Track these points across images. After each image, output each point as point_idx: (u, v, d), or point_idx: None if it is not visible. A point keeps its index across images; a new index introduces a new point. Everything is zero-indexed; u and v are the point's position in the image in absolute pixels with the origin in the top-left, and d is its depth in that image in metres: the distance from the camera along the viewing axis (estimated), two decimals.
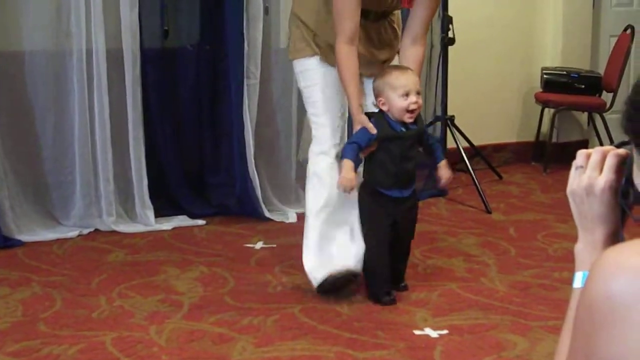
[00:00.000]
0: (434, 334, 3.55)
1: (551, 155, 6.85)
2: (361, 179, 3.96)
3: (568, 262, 4.36)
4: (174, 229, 5.07)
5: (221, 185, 5.42)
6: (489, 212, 5.54)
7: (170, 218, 5.19)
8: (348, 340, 3.49)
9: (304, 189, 5.55)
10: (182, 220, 5.18)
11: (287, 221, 5.26)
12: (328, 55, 3.96)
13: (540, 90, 6.95)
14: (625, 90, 7.23)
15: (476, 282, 4.17)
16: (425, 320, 3.66)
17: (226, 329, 3.59)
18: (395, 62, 4.09)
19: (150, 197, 5.13)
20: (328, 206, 3.98)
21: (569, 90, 6.83)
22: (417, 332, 3.57)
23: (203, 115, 5.46)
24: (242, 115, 5.25)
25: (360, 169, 3.95)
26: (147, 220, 5.08)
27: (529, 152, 7.14)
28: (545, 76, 6.90)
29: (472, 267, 4.41)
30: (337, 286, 3.91)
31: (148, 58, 5.11)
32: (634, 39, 6.91)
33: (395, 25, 4.11)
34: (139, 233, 4.97)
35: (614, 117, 7.14)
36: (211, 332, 3.55)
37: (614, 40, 7.17)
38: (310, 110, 4.08)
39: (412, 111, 3.77)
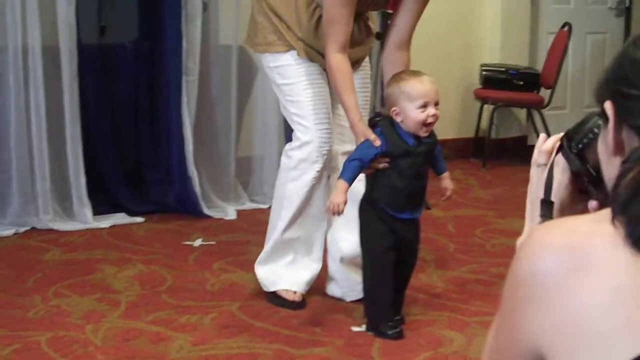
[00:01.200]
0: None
1: (490, 151, 6.91)
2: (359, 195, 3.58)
3: (506, 257, 4.39)
4: (112, 226, 5.02)
5: (160, 183, 5.38)
6: (428, 208, 5.53)
7: (109, 216, 5.14)
8: (286, 337, 3.48)
9: (243, 185, 5.59)
10: (120, 218, 5.14)
11: (226, 218, 5.23)
12: (306, 50, 3.71)
13: (480, 86, 7.00)
14: (562, 86, 7.33)
15: (415, 278, 4.15)
16: (363, 317, 3.66)
17: (163, 327, 3.57)
18: (365, 63, 3.94)
19: (88, 195, 5.07)
20: (298, 231, 3.80)
21: (508, 87, 6.89)
22: (355, 328, 3.58)
23: (141, 112, 5.42)
24: (181, 112, 5.23)
25: (357, 183, 3.51)
26: (84, 218, 5.02)
27: (469, 148, 7.19)
28: (484, 73, 6.96)
29: None
30: (281, 305, 3.81)
31: (85, 54, 5.05)
32: (571, 36, 7.00)
33: (370, 23, 3.90)
34: (76, 231, 4.91)
35: (552, 113, 7.22)
36: (148, 330, 3.53)
37: (551, 38, 7.25)
38: (292, 110, 3.75)
39: (429, 124, 3.41)
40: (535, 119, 7.19)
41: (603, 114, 1.25)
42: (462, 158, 7.09)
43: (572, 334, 1.12)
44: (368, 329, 3.55)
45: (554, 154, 1.46)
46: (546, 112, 7.09)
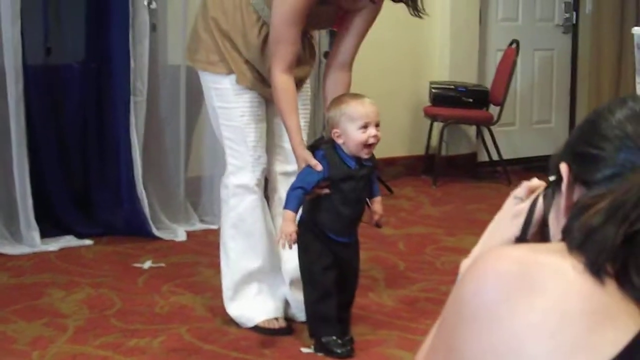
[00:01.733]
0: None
1: (440, 169, 6.94)
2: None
3: (455, 275, 4.39)
4: (60, 249, 4.96)
5: (109, 205, 5.34)
6: (378, 226, 5.55)
7: (57, 238, 5.08)
8: (234, 359, 3.46)
9: (193, 206, 5.56)
10: (69, 241, 5.08)
11: (176, 239, 5.19)
12: (248, 76, 3.68)
13: (429, 104, 7.04)
14: (511, 103, 7.39)
15: (364, 297, 4.18)
16: (311, 338, 3.64)
17: (111, 351, 3.53)
18: (307, 84, 3.92)
19: (37, 218, 5.01)
20: (253, 259, 3.75)
21: (457, 104, 6.93)
22: (304, 350, 3.56)
23: (89, 133, 5.37)
24: (129, 133, 5.19)
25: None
26: (32, 241, 4.96)
27: (420, 165, 7.22)
28: (433, 90, 6.99)
29: (360, 283, 4.37)
30: (270, 334, 3.74)
31: (31, 75, 5.00)
32: (519, 53, 7.06)
33: (313, 42, 3.90)
34: (24, 255, 4.84)
35: (501, 130, 7.29)
36: (95, 355, 3.49)
37: (500, 55, 7.32)
38: (227, 134, 3.73)
39: (370, 145, 3.44)
40: (485, 135, 7.23)
41: (557, 182, 1.31)
42: (413, 175, 7.12)
43: (514, 355, 1.12)
44: (317, 350, 3.53)
45: (536, 193, 1.47)
46: (496, 128, 7.14)
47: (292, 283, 3.83)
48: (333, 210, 3.45)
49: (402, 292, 4.29)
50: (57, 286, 4.35)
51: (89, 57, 5.38)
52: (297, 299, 3.83)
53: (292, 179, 3.58)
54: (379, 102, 7.09)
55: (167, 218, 5.39)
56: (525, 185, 1.50)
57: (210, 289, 4.24)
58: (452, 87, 7.00)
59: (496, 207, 1.51)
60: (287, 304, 3.87)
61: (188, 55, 3.91)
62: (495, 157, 7.14)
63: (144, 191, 5.22)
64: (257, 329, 3.74)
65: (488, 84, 7.27)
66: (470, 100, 6.97)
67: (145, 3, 5.12)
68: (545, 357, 1.10)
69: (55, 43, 5.34)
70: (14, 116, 4.89)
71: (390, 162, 7.08)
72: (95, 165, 5.40)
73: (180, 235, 5.25)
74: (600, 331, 1.12)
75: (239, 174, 3.71)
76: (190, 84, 5.40)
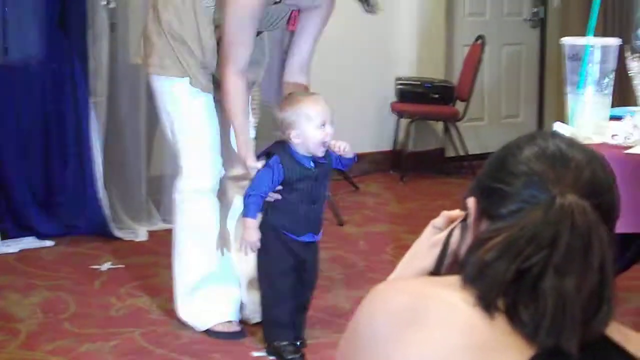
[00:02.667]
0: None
1: (408, 164, 6.94)
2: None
3: None
4: (20, 251, 4.94)
5: (70, 205, 5.31)
6: (341, 224, 5.57)
7: (18, 240, 5.06)
8: None
9: (156, 204, 5.54)
10: (29, 242, 5.05)
11: (136, 239, 5.17)
12: (201, 79, 3.66)
13: (395, 100, 7.03)
14: (479, 98, 7.39)
15: (320, 299, 4.16)
16: (263, 341, 3.64)
17: (62, 357, 3.52)
18: (258, 90, 3.90)
19: None
20: (206, 264, 3.73)
21: (423, 100, 6.92)
22: (255, 353, 3.57)
23: (50, 134, 5.34)
24: (89, 133, 5.17)
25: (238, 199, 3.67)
26: None
27: (388, 161, 7.21)
28: (399, 86, 6.99)
29: (319, 284, 4.37)
30: (223, 338, 3.73)
31: None
32: (487, 48, 7.06)
33: (266, 42, 3.89)
34: None
35: (467, 125, 7.28)
36: None
37: (467, 50, 7.31)
38: (180, 137, 3.69)
39: (325, 143, 3.43)
40: (452, 131, 7.23)
41: (466, 217, 1.34)
42: (381, 171, 7.11)
43: None
44: (269, 353, 3.53)
45: (454, 224, 1.46)
46: (464, 124, 7.14)
47: (248, 284, 3.82)
48: (292, 210, 3.45)
49: (359, 293, 4.26)
50: (14, 289, 4.32)
51: (48, 57, 5.34)
52: (252, 300, 3.82)
53: (241, 183, 3.58)
54: (344, 97, 7.14)
55: (129, 218, 5.37)
56: (444, 214, 1.51)
57: (168, 291, 4.20)
58: (418, 82, 6.99)
59: (461, 203, 1.49)
60: (241, 306, 3.86)
61: (142, 60, 3.86)
62: (462, 152, 7.14)
63: (105, 191, 5.20)
64: (210, 332, 3.73)
65: (455, 79, 7.26)
66: (437, 96, 6.96)
67: (104, 3, 5.09)
68: None
69: (13, 43, 5.30)
70: None
71: (357, 158, 7.06)
72: (56, 166, 5.36)
73: (141, 235, 5.23)
74: None
75: (194, 178, 3.68)
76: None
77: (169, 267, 4.51)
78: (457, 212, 1.50)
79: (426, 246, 1.46)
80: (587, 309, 1.15)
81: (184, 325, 3.81)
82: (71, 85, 5.22)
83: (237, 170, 3.73)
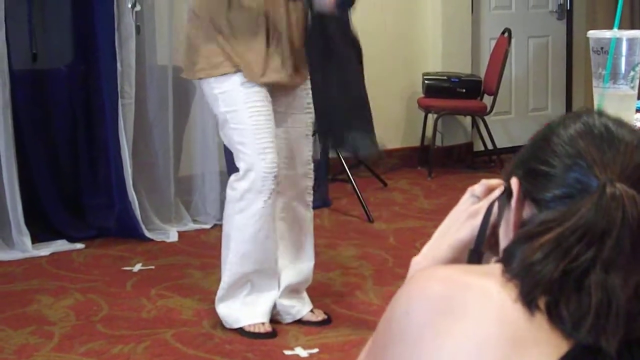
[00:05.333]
0: (304, 353, 3.56)
1: (436, 160, 6.92)
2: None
3: None
4: (51, 254, 4.96)
5: (100, 207, 5.34)
6: (371, 221, 5.57)
7: (49, 243, 5.09)
8: None
9: (185, 205, 5.56)
10: (60, 245, 5.08)
11: (167, 240, 5.18)
12: (253, 70, 3.59)
13: (423, 95, 7.01)
14: (507, 91, 7.37)
15: (351, 296, 4.18)
16: (296, 340, 3.66)
17: (95, 359, 3.54)
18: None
19: (29, 222, 5.02)
20: (250, 264, 3.71)
21: (451, 95, 6.90)
22: (287, 352, 3.57)
23: (78, 137, 5.39)
24: (118, 136, 5.19)
25: (304, 210, 3.84)
26: (23, 246, 4.97)
27: (415, 157, 7.20)
28: (426, 82, 6.96)
29: (348, 281, 4.43)
30: (254, 337, 3.74)
31: (17, 80, 5.00)
32: (513, 41, 7.04)
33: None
34: (15, 261, 4.85)
35: (497, 119, 7.27)
36: None
37: (494, 43, 7.28)
38: (236, 138, 3.62)
39: None
40: (480, 125, 7.21)
41: (508, 195, 1.29)
42: (409, 167, 7.09)
43: None
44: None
45: (493, 195, 1.42)
46: (492, 117, 7.12)
47: (285, 290, 3.84)
48: None
49: (389, 289, 4.27)
50: (46, 292, 4.35)
51: (76, 60, 5.38)
52: (284, 305, 3.84)
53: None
54: (372, 94, 7.10)
55: (159, 219, 5.39)
56: (483, 182, 1.46)
57: (199, 292, 4.26)
58: (445, 77, 6.97)
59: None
60: (274, 305, 3.88)
61: (186, 73, 3.82)
62: (490, 146, 7.12)
63: (134, 193, 5.22)
64: (242, 331, 3.75)
65: (482, 73, 7.23)
66: (464, 90, 6.94)
67: (129, 5, 5.11)
68: None
69: (42, 48, 5.34)
70: (1, 122, 4.89)
71: (385, 154, 7.05)
72: (86, 169, 5.41)
73: (172, 236, 5.25)
74: (520, 358, 1.12)
75: (249, 178, 3.61)
76: (178, 83, 5.40)
77: (199, 267, 4.57)
78: (496, 181, 1.46)
79: (464, 216, 1.41)
80: (631, 306, 1.11)
81: (215, 325, 3.83)
82: (99, 87, 5.24)
83: (293, 171, 3.77)
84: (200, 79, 3.71)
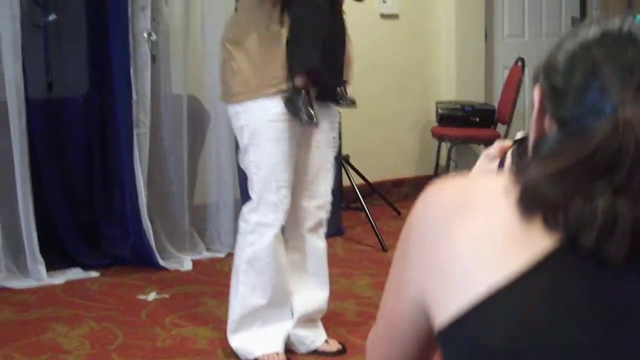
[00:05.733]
0: None
1: None
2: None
3: None
4: (66, 282, 4.98)
5: (115, 236, 5.35)
6: (385, 250, 5.57)
7: (64, 271, 5.10)
8: None
9: (199, 234, 5.57)
10: (75, 274, 5.10)
11: (182, 269, 5.20)
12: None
13: (436, 124, 7.02)
14: (518, 121, 7.36)
15: (365, 325, 4.17)
16: None
17: None
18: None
19: (43, 251, 5.04)
20: (262, 296, 3.72)
21: (464, 124, 6.90)
22: None
23: (94, 166, 5.41)
24: (133, 165, 5.21)
25: (317, 240, 3.88)
26: (38, 274, 4.98)
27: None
28: (440, 110, 6.97)
29: (362, 310, 4.42)
30: None
31: (34, 109, 5.03)
32: (527, 69, 7.05)
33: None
34: (30, 289, 4.86)
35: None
36: None
37: (507, 72, 7.30)
38: (254, 170, 3.65)
39: None
40: None
41: (518, 145, 1.37)
42: None
43: (447, 272, 1.16)
44: None
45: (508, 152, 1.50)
46: None
47: (300, 319, 3.84)
48: None
49: None
50: (61, 321, 4.36)
51: (91, 89, 5.42)
52: (299, 335, 3.84)
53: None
54: (386, 123, 7.15)
55: (173, 248, 5.40)
56: (498, 144, 1.53)
57: (213, 320, 4.26)
58: (459, 106, 6.98)
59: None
60: (289, 337, 3.87)
61: (223, 98, 3.74)
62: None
63: (149, 222, 5.24)
64: None
65: (496, 101, 7.24)
66: (477, 119, 6.94)
67: (145, 35, 5.14)
68: (476, 263, 1.13)
69: (57, 77, 5.38)
70: (17, 150, 4.92)
71: (398, 183, 7.07)
72: (101, 197, 5.43)
73: (186, 265, 5.26)
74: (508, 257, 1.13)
75: (261, 212, 3.64)
76: (193, 112, 5.43)
77: (213, 296, 4.57)
78: (510, 142, 1.51)
79: (480, 175, 1.47)
80: (638, 227, 1.07)
81: (229, 354, 3.82)
82: (114, 117, 5.27)
83: (315, 202, 3.80)
84: (237, 102, 3.64)
